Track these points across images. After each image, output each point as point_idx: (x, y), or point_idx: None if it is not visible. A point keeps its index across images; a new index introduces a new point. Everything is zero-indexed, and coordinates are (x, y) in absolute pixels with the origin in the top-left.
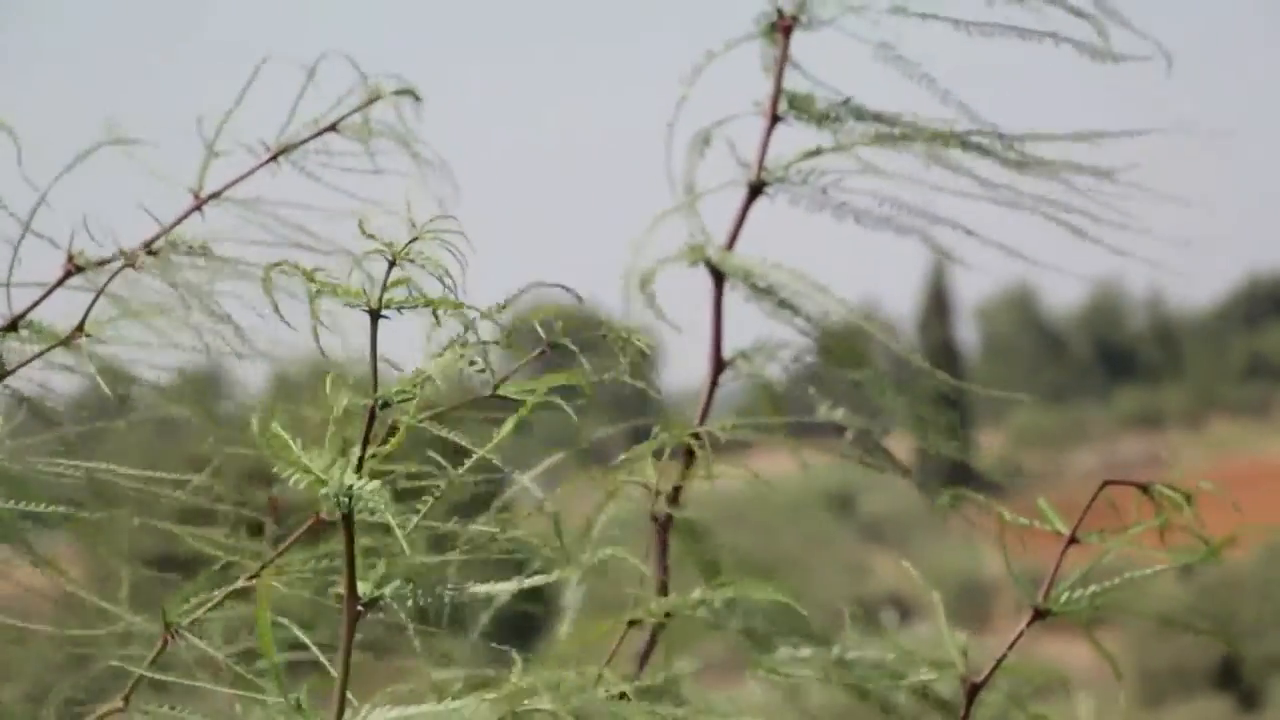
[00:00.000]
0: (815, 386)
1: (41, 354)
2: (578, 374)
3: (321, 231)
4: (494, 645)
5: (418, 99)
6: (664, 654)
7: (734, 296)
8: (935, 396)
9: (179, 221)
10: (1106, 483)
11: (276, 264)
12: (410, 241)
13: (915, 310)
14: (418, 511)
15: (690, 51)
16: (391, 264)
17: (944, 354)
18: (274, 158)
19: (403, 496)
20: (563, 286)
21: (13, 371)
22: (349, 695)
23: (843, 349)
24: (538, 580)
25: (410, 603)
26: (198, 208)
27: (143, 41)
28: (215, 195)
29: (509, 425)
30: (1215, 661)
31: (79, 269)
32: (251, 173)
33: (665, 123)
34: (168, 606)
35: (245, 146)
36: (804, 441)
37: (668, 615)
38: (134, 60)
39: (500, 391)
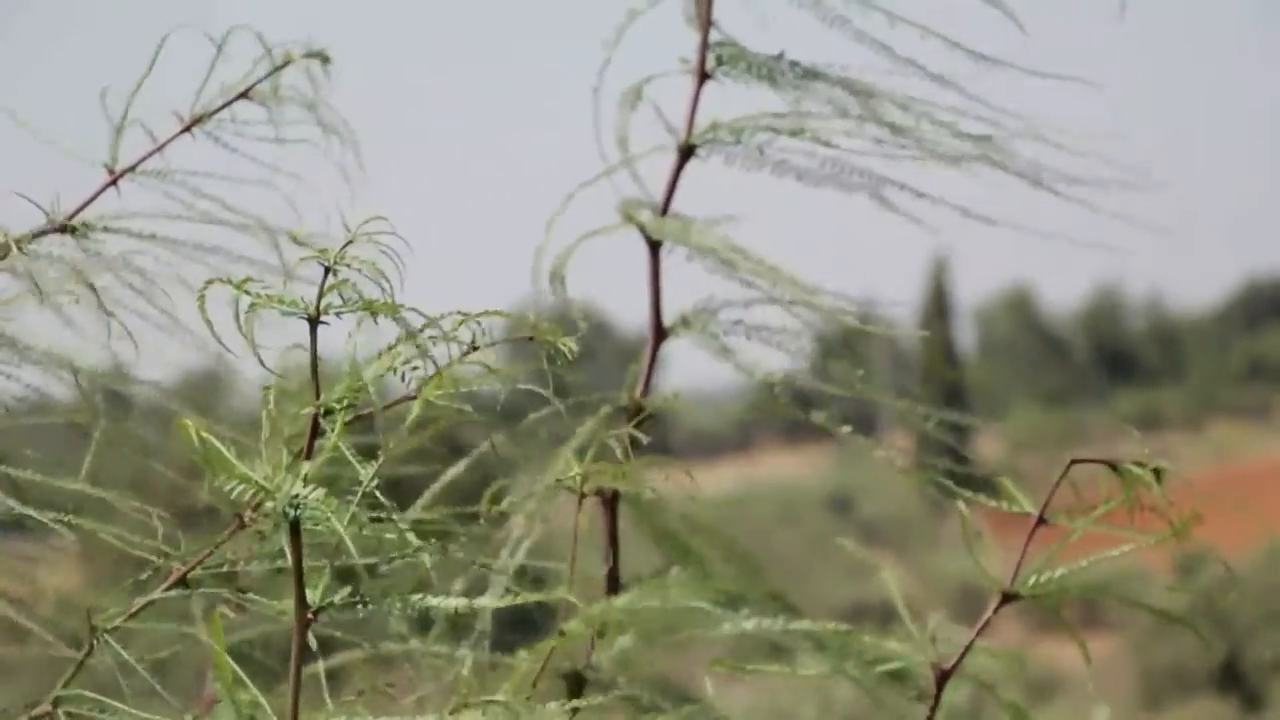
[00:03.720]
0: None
1: None
2: (502, 372)
3: (242, 201)
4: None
5: (327, 60)
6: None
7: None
8: (934, 399)
9: (94, 198)
10: (1074, 461)
11: (210, 281)
12: (345, 245)
13: (915, 311)
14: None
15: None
16: (327, 270)
17: (943, 355)
18: (188, 128)
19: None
20: None
21: None
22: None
23: (841, 348)
24: (489, 602)
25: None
26: (113, 183)
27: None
28: (130, 169)
29: (407, 427)
30: (1216, 663)
31: None
32: (166, 144)
33: (591, 87)
34: (94, 612)
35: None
36: (801, 441)
37: (613, 592)
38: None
39: (424, 393)
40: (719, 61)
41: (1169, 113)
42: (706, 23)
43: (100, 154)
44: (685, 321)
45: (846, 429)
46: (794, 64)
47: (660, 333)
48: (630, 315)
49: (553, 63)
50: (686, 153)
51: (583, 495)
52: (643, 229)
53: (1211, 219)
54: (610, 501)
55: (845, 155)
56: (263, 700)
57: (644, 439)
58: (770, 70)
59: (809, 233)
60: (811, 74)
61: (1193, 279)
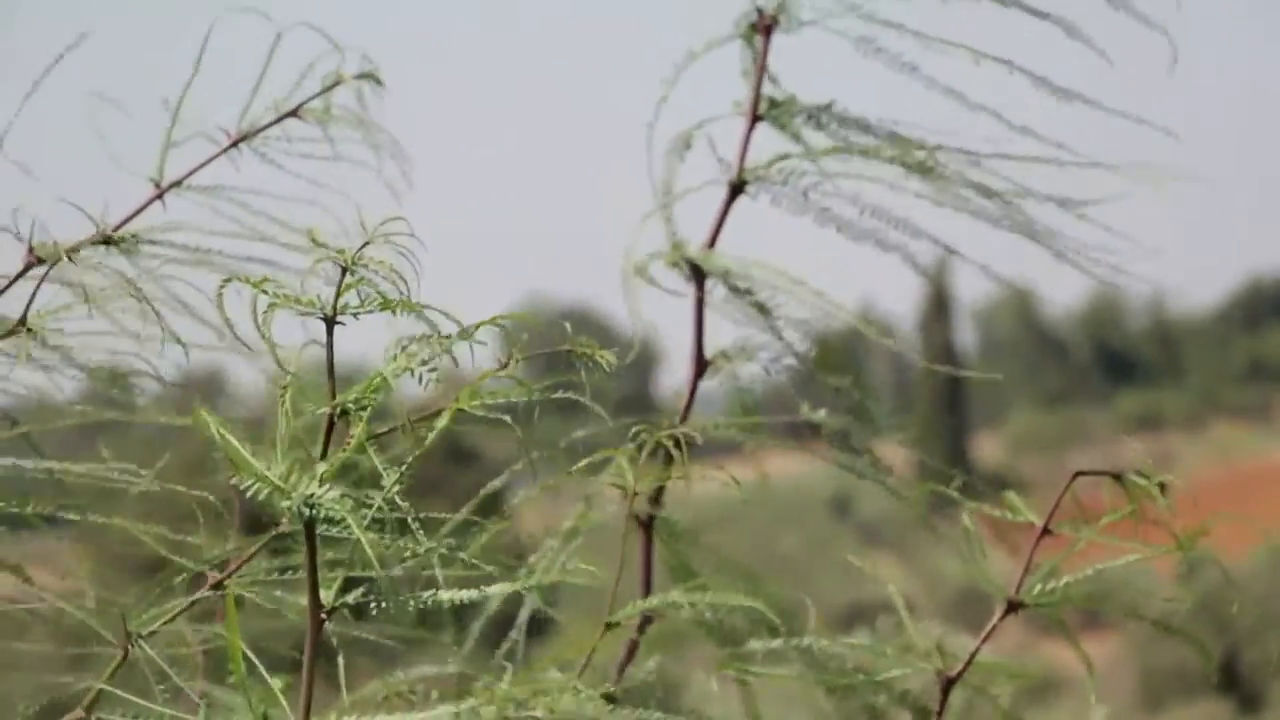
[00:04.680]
0: (802, 388)
1: None
2: (525, 385)
3: (284, 216)
4: (479, 648)
5: (379, 83)
6: (646, 656)
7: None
8: (934, 400)
9: (139, 211)
10: (1079, 473)
11: (227, 280)
12: (362, 246)
13: (915, 312)
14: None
15: (675, 49)
16: (344, 270)
17: (944, 356)
18: (235, 144)
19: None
20: None
21: None
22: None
23: (831, 354)
24: (503, 589)
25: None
26: (159, 197)
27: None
28: (176, 184)
29: (435, 433)
30: (1216, 664)
31: (40, 261)
32: (212, 160)
33: (646, 123)
34: (129, 616)
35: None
36: (795, 445)
37: (647, 621)
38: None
39: (460, 403)
40: (771, 105)
41: (1169, 111)
42: (761, 68)
43: (98, 151)
44: (726, 356)
45: (892, 479)
46: (841, 115)
47: (701, 365)
48: (625, 315)
49: (566, 60)
50: (736, 189)
51: (633, 494)
52: (691, 262)
53: (1212, 218)
54: (648, 527)
55: (889, 208)
56: (279, 694)
57: (695, 438)
58: (818, 118)
59: (809, 231)
60: (859, 126)
61: (1193, 279)
